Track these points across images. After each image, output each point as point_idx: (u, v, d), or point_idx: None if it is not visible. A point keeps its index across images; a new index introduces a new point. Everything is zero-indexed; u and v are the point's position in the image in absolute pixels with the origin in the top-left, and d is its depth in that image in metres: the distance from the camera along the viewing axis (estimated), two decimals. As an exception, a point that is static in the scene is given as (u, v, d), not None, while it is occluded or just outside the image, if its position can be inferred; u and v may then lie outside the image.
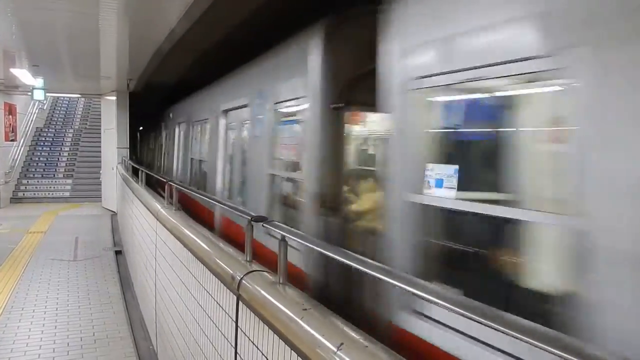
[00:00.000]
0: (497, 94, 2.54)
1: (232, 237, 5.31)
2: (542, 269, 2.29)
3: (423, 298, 1.78)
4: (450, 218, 2.65)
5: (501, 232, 2.45)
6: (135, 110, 15.77)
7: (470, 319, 1.58)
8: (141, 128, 23.34)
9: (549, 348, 1.32)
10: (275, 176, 5.08)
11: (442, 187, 2.53)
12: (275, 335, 2.26)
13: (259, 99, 5.49)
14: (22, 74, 11.94)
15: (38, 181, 19.25)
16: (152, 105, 16.45)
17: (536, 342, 1.36)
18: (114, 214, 14.77)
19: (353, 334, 1.94)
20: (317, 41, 4.08)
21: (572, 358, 1.26)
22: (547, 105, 2.30)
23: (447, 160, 2.62)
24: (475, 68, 2.30)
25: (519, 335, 1.41)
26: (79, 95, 22.27)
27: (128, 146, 15.60)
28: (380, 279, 1.96)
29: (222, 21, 6.48)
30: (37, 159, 20.49)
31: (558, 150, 2.10)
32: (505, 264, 2.44)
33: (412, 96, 2.69)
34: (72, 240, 11.24)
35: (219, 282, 3.12)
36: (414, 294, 1.81)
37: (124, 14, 6.58)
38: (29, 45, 9.00)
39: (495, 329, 1.48)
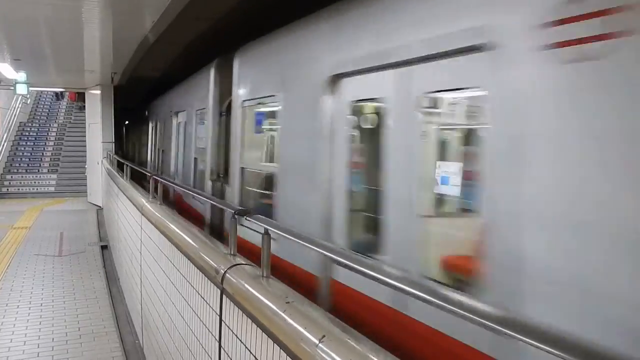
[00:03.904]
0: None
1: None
2: None
3: (410, 293, 1.80)
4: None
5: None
6: (120, 104, 15.61)
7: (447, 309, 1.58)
8: (127, 122, 23.14)
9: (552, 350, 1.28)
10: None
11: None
12: (258, 328, 2.27)
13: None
14: (4, 68, 11.75)
15: (22, 176, 19.02)
16: (138, 98, 16.30)
17: (537, 343, 1.31)
18: (99, 209, 14.65)
19: (335, 326, 1.94)
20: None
21: (573, 358, 1.23)
22: None
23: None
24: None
25: (517, 335, 1.36)
26: (63, 89, 21.99)
27: (113, 140, 15.46)
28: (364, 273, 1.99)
29: (205, 15, 6.45)
30: (21, 153, 20.24)
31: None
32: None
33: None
34: (57, 235, 11.15)
35: (203, 275, 3.11)
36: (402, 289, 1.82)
37: (106, 6, 6.49)
38: (10, 39, 8.84)
39: (479, 323, 1.47)
